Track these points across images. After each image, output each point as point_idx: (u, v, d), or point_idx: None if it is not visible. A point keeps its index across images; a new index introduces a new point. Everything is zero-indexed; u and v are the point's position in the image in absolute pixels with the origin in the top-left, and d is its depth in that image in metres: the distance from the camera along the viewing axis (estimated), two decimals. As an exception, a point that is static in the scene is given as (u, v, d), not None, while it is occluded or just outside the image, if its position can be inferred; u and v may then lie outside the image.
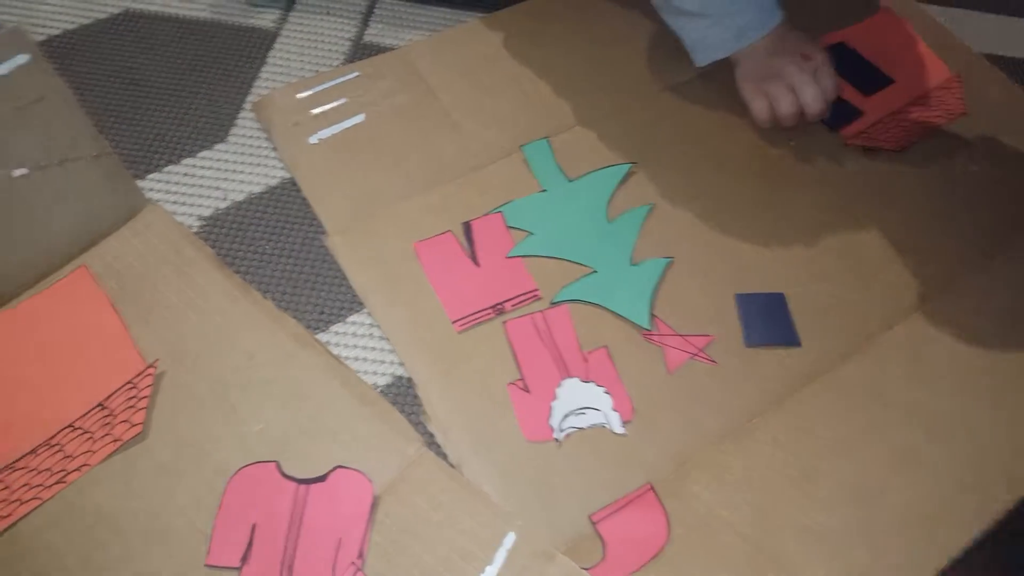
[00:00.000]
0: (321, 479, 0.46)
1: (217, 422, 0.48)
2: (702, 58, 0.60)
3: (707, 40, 0.59)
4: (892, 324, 0.54)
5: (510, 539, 0.45)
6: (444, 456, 0.48)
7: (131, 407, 0.48)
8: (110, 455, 0.47)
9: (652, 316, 0.53)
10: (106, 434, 0.47)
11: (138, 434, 0.47)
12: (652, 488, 0.47)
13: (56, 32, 0.65)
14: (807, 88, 0.58)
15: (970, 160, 0.62)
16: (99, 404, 0.48)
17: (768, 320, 0.53)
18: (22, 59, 0.51)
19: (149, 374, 0.49)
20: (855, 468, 0.48)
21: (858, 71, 0.67)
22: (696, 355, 0.52)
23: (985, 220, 0.59)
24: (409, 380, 0.51)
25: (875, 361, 0.52)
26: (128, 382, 0.49)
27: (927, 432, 0.49)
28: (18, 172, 0.51)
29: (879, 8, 0.71)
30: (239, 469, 0.46)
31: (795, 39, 0.60)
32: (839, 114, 0.63)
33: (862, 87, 0.66)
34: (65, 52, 0.64)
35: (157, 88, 0.63)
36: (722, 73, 0.61)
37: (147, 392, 0.48)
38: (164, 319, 0.52)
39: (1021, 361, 0.53)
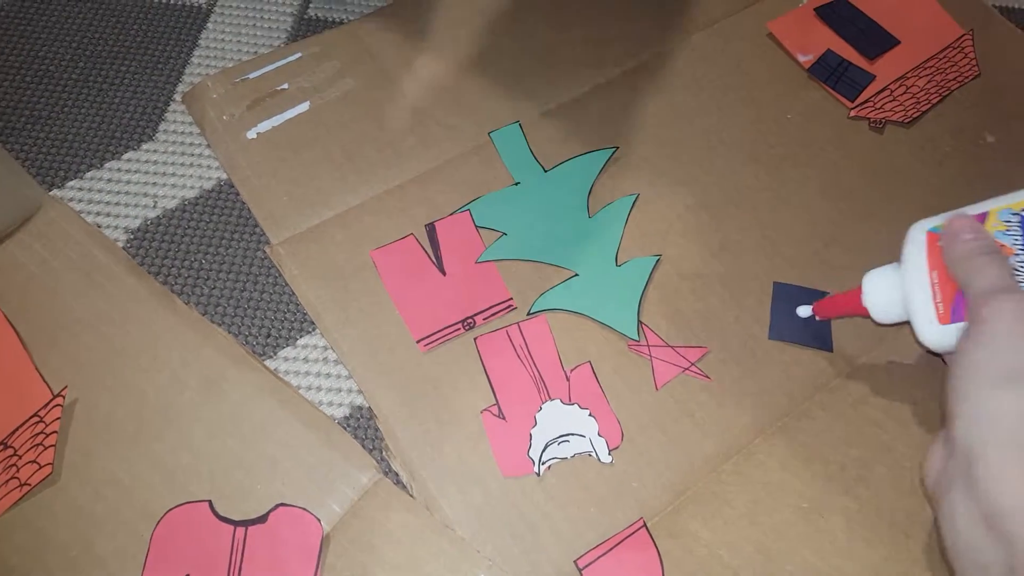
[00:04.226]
0: (261, 519, 0.41)
1: (139, 456, 0.42)
2: None
3: None
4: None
5: (483, 584, 0.40)
6: (404, 488, 0.43)
7: (38, 445, 0.42)
8: (17, 502, 0.41)
9: (639, 324, 0.47)
10: (11, 478, 0.41)
11: (48, 476, 0.41)
12: (645, 525, 0.42)
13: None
14: None
15: (987, 130, 0.56)
16: (0, 443, 0.42)
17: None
18: None
19: (57, 404, 0.43)
20: (875, 498, 0.43)
21: (860, 31, 0.60)
22: (687, 370, 0.46)
23: (1006, 199, 0.53)
24: (369, 410, 0.45)
25: (893, 365, 0.47)
26: (33, 415, 0.43)
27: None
28: None
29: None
30: (167, 511, 0.41)
31: None
32: (854, 80, 0.57)
33: (865, 50, 0.59)
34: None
35: (73, 80, 0.55)
36: (711, 40, 0.55)
37: (56, 426, 0.42)
38: (73, 337, 0.45)
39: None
